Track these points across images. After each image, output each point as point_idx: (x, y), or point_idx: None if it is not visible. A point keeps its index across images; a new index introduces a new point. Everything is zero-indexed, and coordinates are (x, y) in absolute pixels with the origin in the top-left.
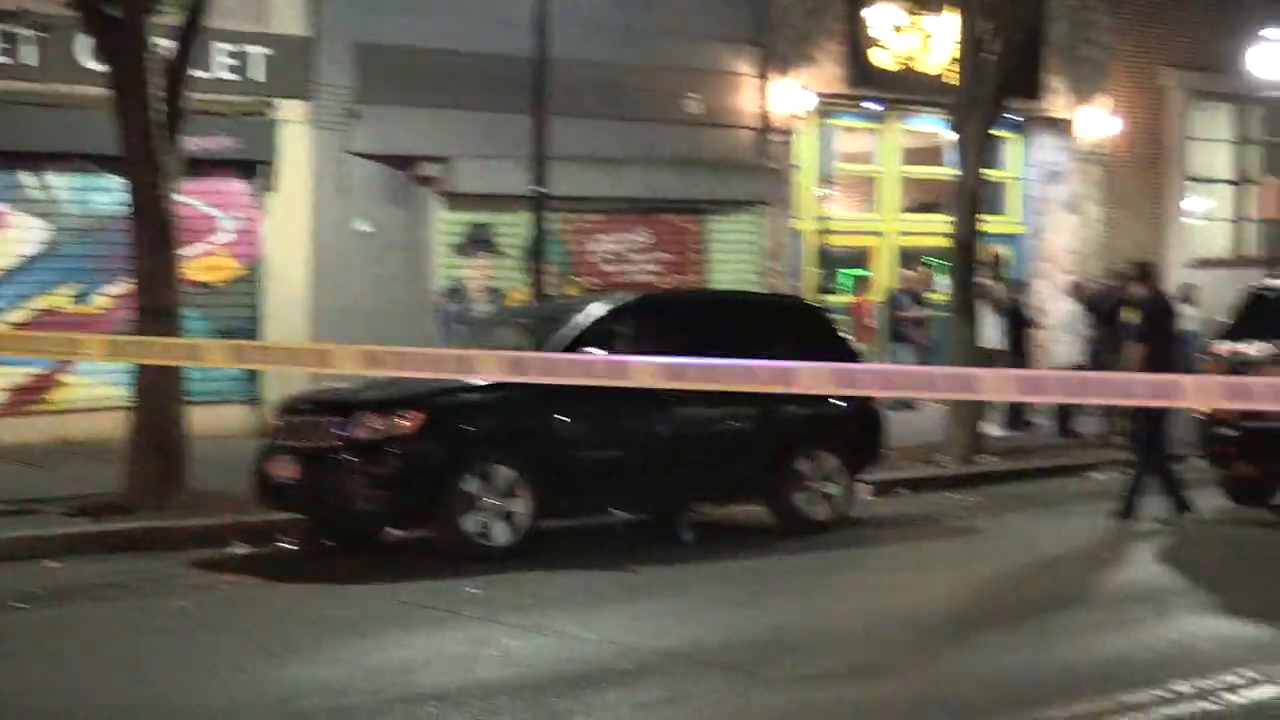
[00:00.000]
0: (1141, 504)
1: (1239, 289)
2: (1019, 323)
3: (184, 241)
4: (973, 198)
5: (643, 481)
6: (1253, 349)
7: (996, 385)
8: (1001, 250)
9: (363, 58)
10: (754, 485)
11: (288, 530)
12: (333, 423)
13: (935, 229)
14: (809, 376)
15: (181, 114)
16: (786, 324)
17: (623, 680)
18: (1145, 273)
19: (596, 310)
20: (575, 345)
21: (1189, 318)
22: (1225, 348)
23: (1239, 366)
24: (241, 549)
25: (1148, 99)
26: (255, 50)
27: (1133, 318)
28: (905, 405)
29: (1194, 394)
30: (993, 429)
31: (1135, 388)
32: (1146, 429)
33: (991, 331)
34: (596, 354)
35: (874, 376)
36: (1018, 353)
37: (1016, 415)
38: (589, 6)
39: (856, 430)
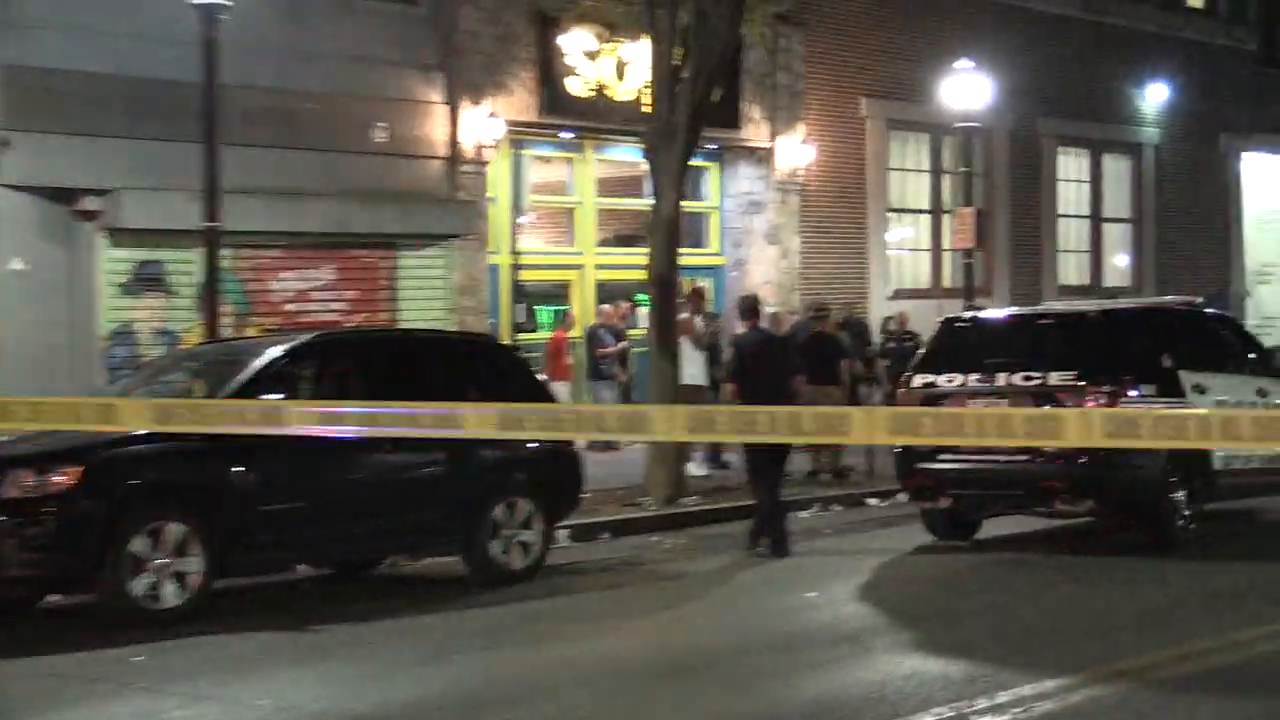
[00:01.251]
0: (770, 535)
1: (936, 320)
2: (720, 358)
3: None
4: (671, 229)
5: (330, 534)
6: (943, 380)
7: (667, 424)
8: (702, 283)
9: (11, 80)
10: (447, 534)
11: None
12: None
13: (635, 261)
14: (474, 420)
15: None
16: (475, 364)
17: None
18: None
19: (273, 352)
20: (249, 390)
21: (902, 347)
22: (919, 380)
23: (932, 399)
24: None
25: (847, 128)
26: None
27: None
28: (608, 446)
29: (861, 429)
30: (695, 467)
31: (804, 422)
32: (767, 462)
33: (693, 368)
34: (270, 399)
35: (541, 418)
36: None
37: (717, 453)
38: (262, 27)
39: (553, 474)
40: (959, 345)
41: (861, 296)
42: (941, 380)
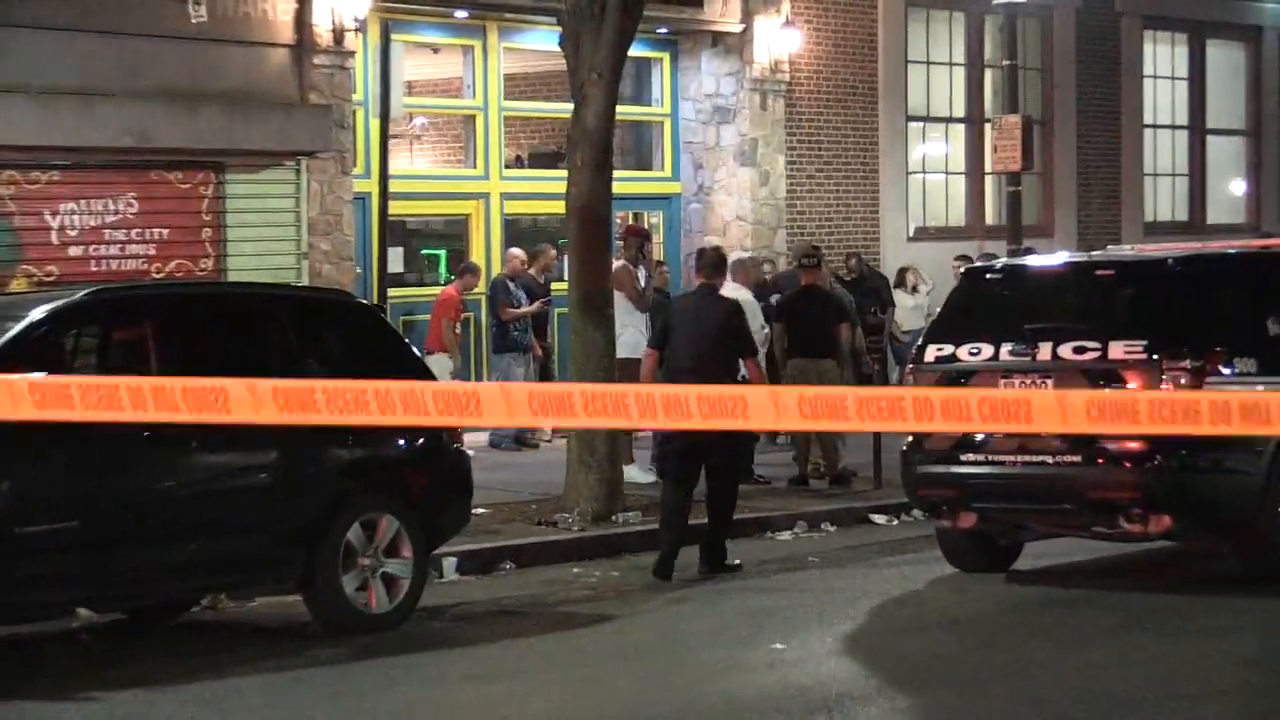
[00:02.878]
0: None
1: (957, 269)
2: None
3: None
4: (599, 145)
5: (115, 565)
6: (966, 352)
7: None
8: (652, 218)
9: None
10: (280, 565)
11: None
12: None
13: (557, 189)
14: (244, 399)
15: None
16: (321, 331)
17: None
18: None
19: (36, 314)
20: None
21: (914, 308)
22: (933, 351)
23: (954, 378)
24: None
25: (850, 5)
26: None
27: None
28: (522, 441)
29: (857, 413)
30: (639, 473)
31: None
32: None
33: (632, 334)
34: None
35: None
36: None
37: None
38: None
39: (432, 480)
40: (988, 305)
41: (872, 238)
42: (964, 353)
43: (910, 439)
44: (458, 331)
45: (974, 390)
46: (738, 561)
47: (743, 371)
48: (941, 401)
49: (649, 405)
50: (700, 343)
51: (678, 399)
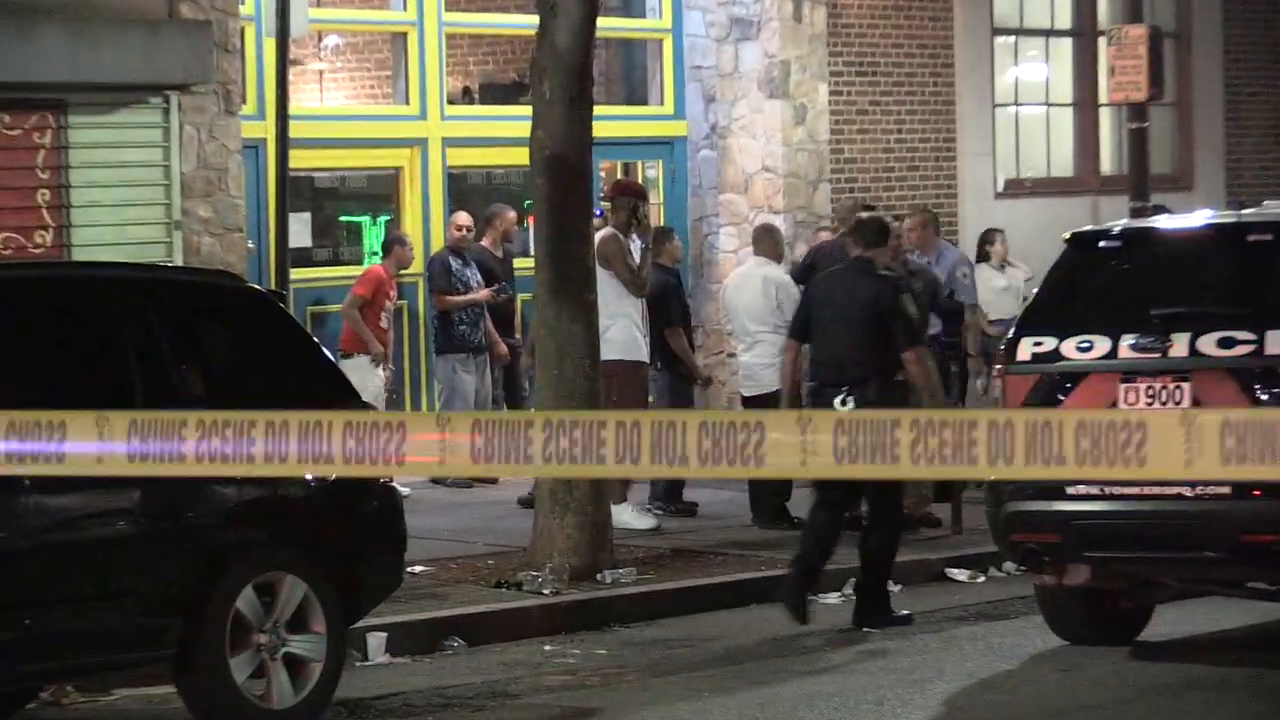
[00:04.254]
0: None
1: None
2: (677, 311)
3: None
4: (579, 73)
5: None
6: (1073, 347)
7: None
8: (646, 172)
9: None
10: (146, 643)
11: None
12: None
13: (517, 132)
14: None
15: None
16: (203, 328)
17: None
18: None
19: None
20: None
21: (1004, 290)
22: (1028, 346)
23: (1056, 384)
24: None
25: None
26: None
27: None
28: (471, 478)
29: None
30: (634, 515)
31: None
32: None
33: (622, 329)
34: None
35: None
36: (671, 366)
37: (675, 490)
38: None
39: (353, 528)
40: (1103, 282)
41: (946, 194)
42: (1070, 348)
43: None
44: (385, 326)
45: (1070, 414)
46: (906, 612)
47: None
48: (1025, 427)
49: (633, 442)
50: (851, 333)
51: (671, 431)
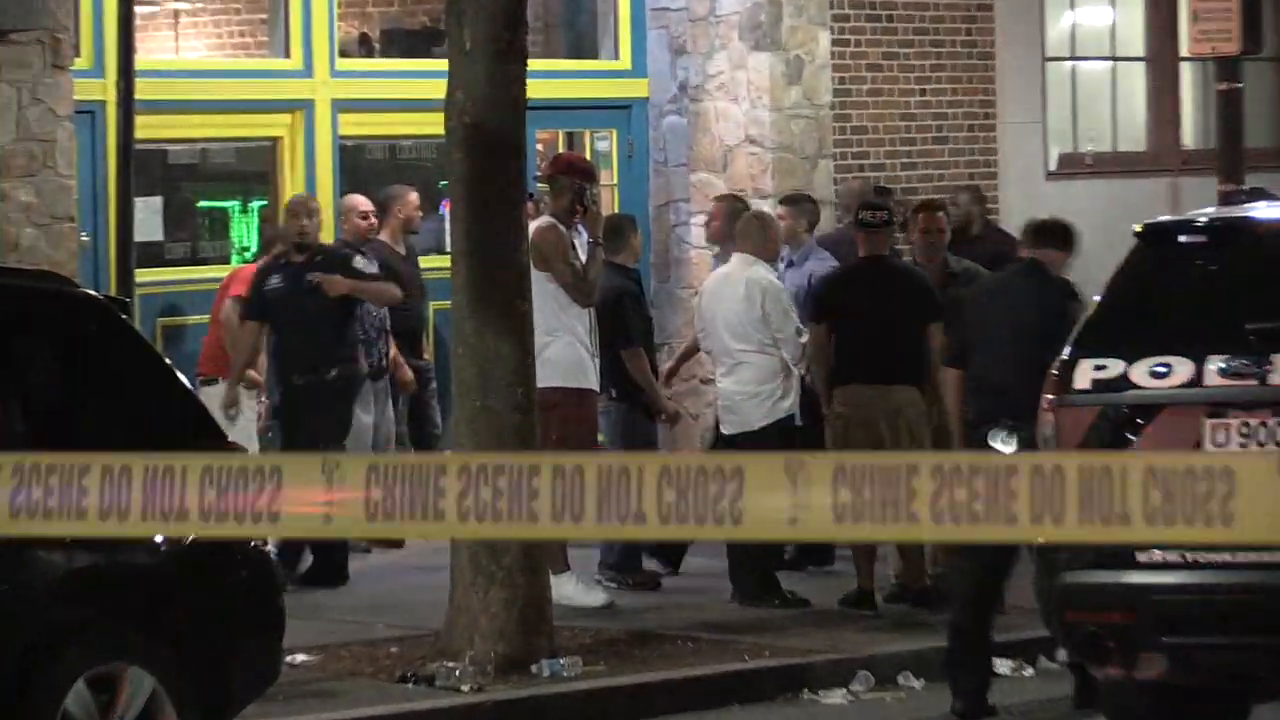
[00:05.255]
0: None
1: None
2: (636, 324)
3: None
4: (508, 18)
5: None
6: (1144, 372)
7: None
8: (596, 145)
9: None
10: None
11: None
12: None
13: (429, 93)
14: None
15: None
16: (23, 344)
17: None
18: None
19: None
20: None
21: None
22: (1087, 371)
23: (1123, 420)
24: None
25: None
26: None
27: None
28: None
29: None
30: (579, 589)
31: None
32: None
33: (568, 345)
34: None
35: None
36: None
37: (632, 556)
38: None
39: (215, 606)
40: (1183, 288)
41: (984, 173)
42: (1141, 373)
43: None
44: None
45: (1136, 458)
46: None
47: None
48: (1079, 475)
49: (575, 493)
50: (1022, 348)
51: (624, 479)
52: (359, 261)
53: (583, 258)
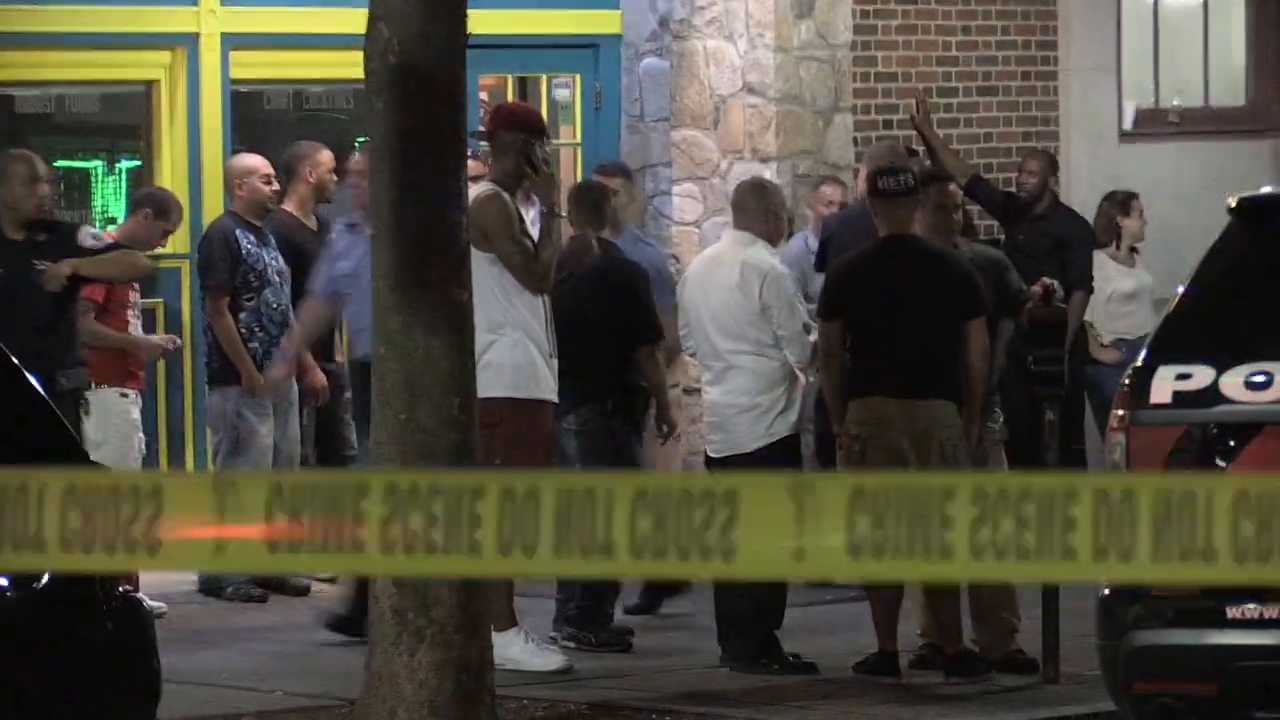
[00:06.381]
0: None
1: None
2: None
3: None
4: None
5: None
6: (1238, 383)
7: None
8: (553, 91)
9: None
10: None
11: None
12: None
13: (345, 28)
14: None
15: None
16: None
17: None
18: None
19: None
20: None
21: (1134, 294)
22: (1166, 380)
23: (1212, 440)
24: None
25: None
26: None
27: None
28: (272, 583)
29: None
30: (529, 650)
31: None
32: None
33: (515, 343)
34: None
35: None
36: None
37: (596, 608)
38: None
39: (74, 668)
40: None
41: (1042, 133)
42: (1234, 383)
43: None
44: (135, 337)
45: (1225, 481)
46: None
47: None
48: (1153, 501)
49: (527, 521)
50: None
51: (589, 503)
52: (85, 235)
53: (534, 233)
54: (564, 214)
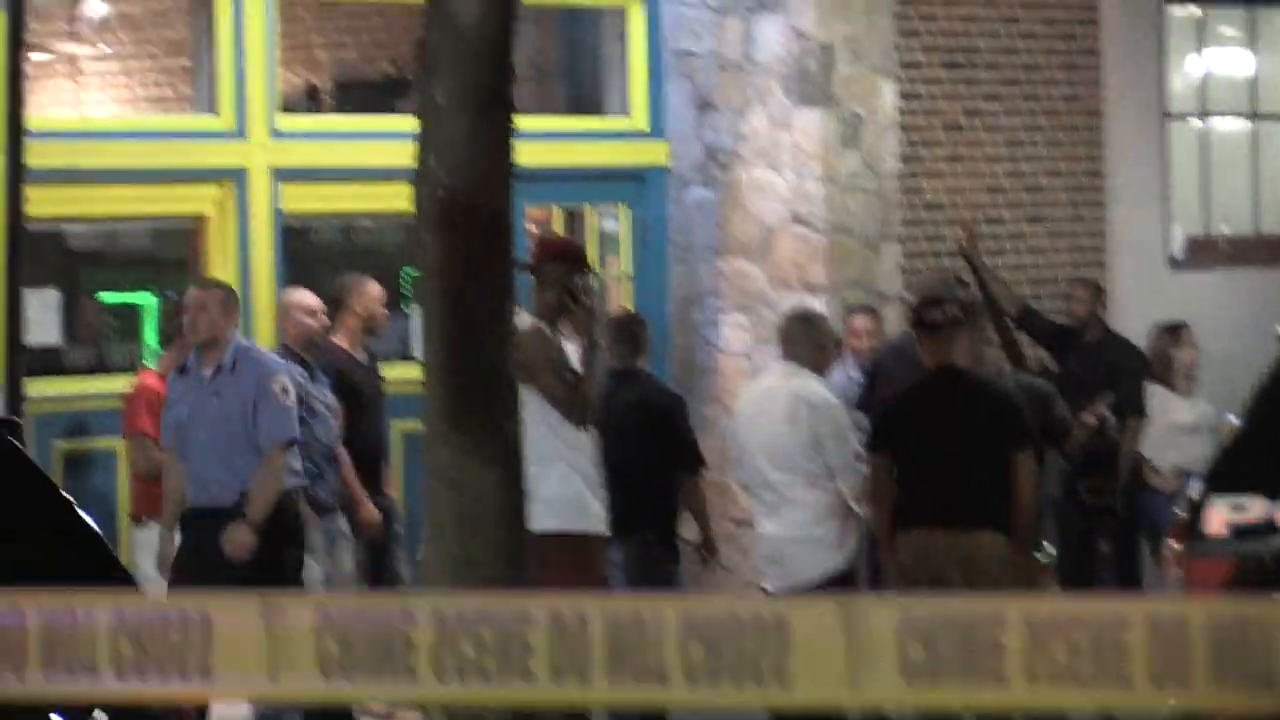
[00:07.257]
0: None
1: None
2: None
3: None
4: (493, 64)
5: None
6: None
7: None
8: (599, 225)
9: None
10: None
11: None
12: None
13: (393, 160)
14: None
15: None
16: None
17: None
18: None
19: None
20: None
21: (1191, 426)
22: (1226, 513)
23: (1265, 569)
24: None
25: None
26: None
27: None
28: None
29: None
30: None
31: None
32: None
33: (564, 476)
34: None
35: None
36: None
37: None
38: None
39: None
40: None
41: (1089, 259)
42: None
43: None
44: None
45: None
46: None
47: None
48: (1207, 628)
49: (579, 647)
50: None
51: (638, 630)
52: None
53: (577, 366)
54: (604, 344)
